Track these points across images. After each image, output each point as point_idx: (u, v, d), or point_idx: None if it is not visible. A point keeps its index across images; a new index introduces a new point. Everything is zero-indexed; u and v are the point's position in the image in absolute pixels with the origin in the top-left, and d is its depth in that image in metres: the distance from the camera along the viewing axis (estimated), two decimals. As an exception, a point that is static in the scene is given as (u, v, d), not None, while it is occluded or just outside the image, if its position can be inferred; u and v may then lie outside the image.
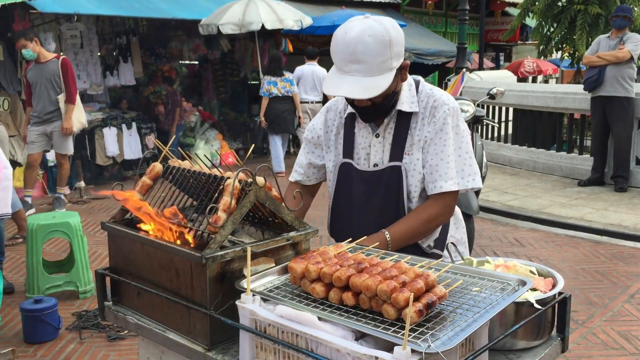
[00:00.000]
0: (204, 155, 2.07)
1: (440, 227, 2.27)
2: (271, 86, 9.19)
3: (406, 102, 2.15)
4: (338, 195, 2.30)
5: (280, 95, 9.19)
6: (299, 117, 9.53)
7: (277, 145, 9.43)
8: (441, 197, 2.15)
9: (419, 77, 2.25)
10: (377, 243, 1.97)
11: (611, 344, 3.96)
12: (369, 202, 2.20)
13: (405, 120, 2.16)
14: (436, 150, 2.13)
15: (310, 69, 9.76)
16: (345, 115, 2.28)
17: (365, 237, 2.03)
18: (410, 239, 2.16)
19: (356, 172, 2.22)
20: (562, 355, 4.01)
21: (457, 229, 2.38)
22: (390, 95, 2.08)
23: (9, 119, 8.64)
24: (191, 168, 2.03)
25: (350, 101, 2.14)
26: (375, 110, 2.11)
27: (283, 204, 1.87)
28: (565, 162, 8.83)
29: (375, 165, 2.19)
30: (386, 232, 2.10)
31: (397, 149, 2.16)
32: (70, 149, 7.51)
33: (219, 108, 12.68)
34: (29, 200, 7.42)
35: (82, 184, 8.40)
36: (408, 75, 2.15)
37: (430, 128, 2.14)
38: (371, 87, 1.97)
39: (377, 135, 2.19)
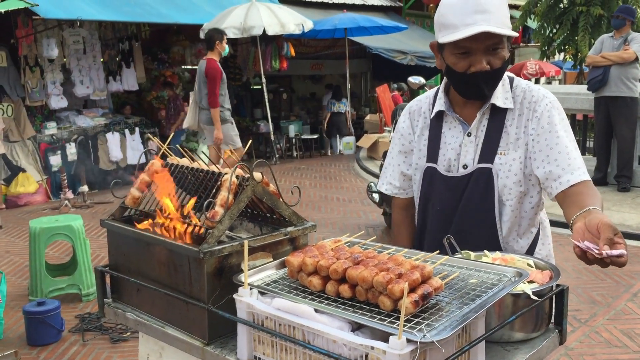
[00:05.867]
0: (202, 152, 2.07)
1: (531, 239, 2.07)
2: (332, 105, 14.00)
3: (500, 97, 1.97)
4: (422, 203, 2.13)
5: (336, 111, 13.92)
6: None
7: (334, 142, 14.24)
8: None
9: (512, 75, 2.06)
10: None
11: (614, 342, 3.95)
12: (456, 210, 2.02)
13: (499, 117, 1.98)
14: (549, 144, 1.92)
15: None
16: (432, 115, 2.10)
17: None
18: None
19: (440, 178, 2.05)
20: (564, 353, 4.00)
21: (543, 245, 2.12)
22: (505, 64, 1.91)
23: (13, 125, 8.68)
24: (190, 165, 2.04)
25: (461, 72, 1.89)
26: (491, 78, 1.90)
27: (281, 199, 1.88)
28: (568, 162, 8.79)
29: (465, 166, 2.00)
30: (597, 208, 1.76)
31: (489, 149, 1.97)
32: None
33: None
34: None
35: (85, 188, 8.45)
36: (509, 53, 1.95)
37: (534, 124, 1.94)
38: (504, 30, 1.83)
39: (469, 134, 2.00)
